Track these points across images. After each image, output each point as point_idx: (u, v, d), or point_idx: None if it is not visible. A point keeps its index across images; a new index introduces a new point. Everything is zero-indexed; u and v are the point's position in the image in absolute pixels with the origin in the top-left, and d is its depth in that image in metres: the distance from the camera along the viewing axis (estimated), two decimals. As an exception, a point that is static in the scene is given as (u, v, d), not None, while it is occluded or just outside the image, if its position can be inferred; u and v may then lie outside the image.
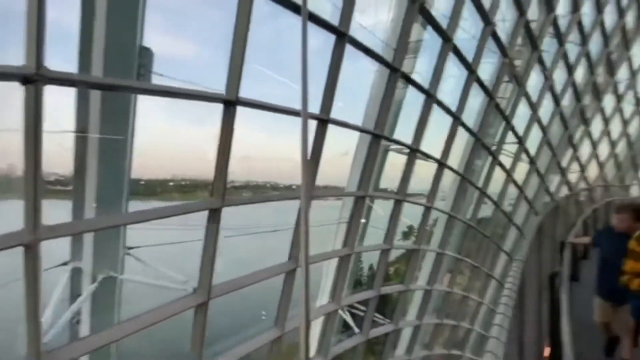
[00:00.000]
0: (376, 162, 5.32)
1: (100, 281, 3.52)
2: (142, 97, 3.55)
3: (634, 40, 11.60)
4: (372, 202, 6.48)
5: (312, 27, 3.94)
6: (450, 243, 7.81)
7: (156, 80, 3.78)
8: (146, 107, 3.92)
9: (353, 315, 6.24)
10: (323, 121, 4.17)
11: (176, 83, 3.32)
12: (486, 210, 9.27)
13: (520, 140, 8.96)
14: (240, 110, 3.31)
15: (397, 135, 5.88)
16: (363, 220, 6.50)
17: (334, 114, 4.41)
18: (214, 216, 3.23)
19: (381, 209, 6.76)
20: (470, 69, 6.34)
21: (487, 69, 7.28)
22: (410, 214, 7.17)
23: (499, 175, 8.91)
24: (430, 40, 5.63)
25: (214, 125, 3.37)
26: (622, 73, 12.03)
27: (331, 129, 4.62)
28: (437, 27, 5.41)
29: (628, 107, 13.22)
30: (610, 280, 2.83)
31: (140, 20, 3.28)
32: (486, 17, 6.25)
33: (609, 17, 10.18)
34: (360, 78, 5.92)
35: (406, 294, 6.96)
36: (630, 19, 11.01)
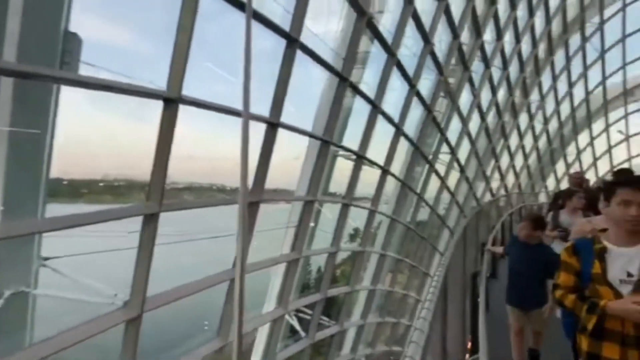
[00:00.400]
0: (325, 166, 5.32)
1: (8, 297, 2.96)
2: (66, 88, 3.09)
3: (544, 68, 13.32)
4: (321, 205, 6.48)
5: (264, 29, 3.81)
6: (392, 244, 8.13)
7: (85, 70, 3.34)
8: (73, 99, 3.43)
9: (300, 319, 6.14)
10: (273, 125, 4.04)
11: (109, 75, 2.95)
12: (424, 213, 9.86)
13: (453, 151, 9.71)
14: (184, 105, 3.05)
15: (346, 141, 5.98)
16: (312, 224, 6.48)
17: (285, 118, 4.32)
18: (150, 222, 2.91)
19: (330, 213, 6.80)
20: (411, 83, 6.69)
21: (425, 85, 7.77)
22: (357, 217, 7.34)
23: (434, 181, 9.54)
24: (376, 53, 5.82)
25: (156, 121, 3.06)
26: (534, 95, 13.73)
27: (284, 132, 4.52)
28: (382, 42, 5.62)
29: (538, 125, 15.11)
30: (517, 288, 2.94)
31: (67, 1, 2.86)
32: (426, 37, 6.66)
33: (525, 46, 11.56)
34: (311, 83, 5.91)
35: (352, 295, 7.06)
36: (541, 49, 12.63)
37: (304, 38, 4.25)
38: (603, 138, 20.45)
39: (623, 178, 1.54)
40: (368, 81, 5.88)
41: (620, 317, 1.34)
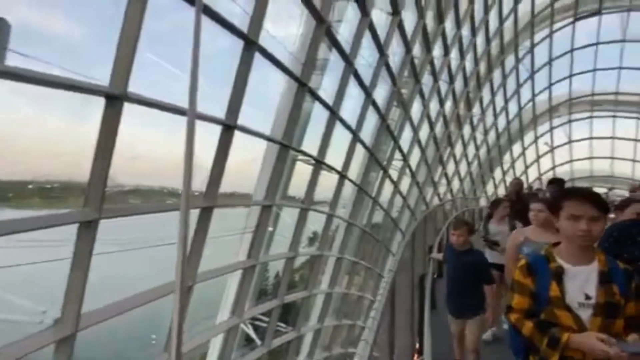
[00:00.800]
0: (284, 171, 5.23)
1: None
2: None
3: (484, 84, 14.53)
4: (280, 210, 6.36)
5: (223, 29, 3.65)
6: (349, 247, 8.24)
7: (13, 60, 2.93)
8: (-4, 92, 2.98)
9: (255, 327, 5.93)
10: (228, 127, 3.88)
11: (42, 67, 2.61)
12: (378, 216, 10.15)
13: (405, 158, 10.15)
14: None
15: (305, 146, 5.94)
16: (271, 229, 6.32)
17: (243, 120, 4.18)
18: (87, 230, 2.61)
19: (289, 217, 6.70)
20: (367, 92, 6.87)
21: (380, 94, 8.04)
22: (315, 221, 7.32)
23: (388, 186, 9.88)
24: (335, 61, 5.89)
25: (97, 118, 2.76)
26: (476, 109, 14.90)
27: (243, 133, 4.35)
28: (340, 51, 5.70)
29: (479, 136, 16.41)
30: (454, 296, 2.89)
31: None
32: (381, 49, 6.90)
33: (469, 63, 12.52)
34: (271, 85, 5.81)
35: (309, 299, 7.00)
36: (482, 67, 13.76)
37: (263, 40, 4.16)
38: (532, 149, 22.83)
39: (570, 190, 1.45)
40: (327, 88, 5.93)
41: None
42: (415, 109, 10.07)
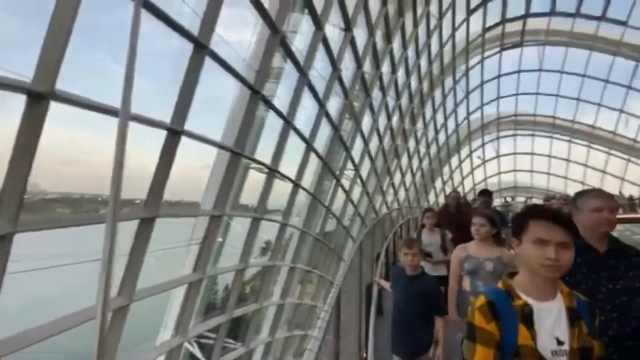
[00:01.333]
0: (235, 179, 5.03)
1: None
2: None
3: (427, 101, 15.65)
4: (231, 219, 6.08)
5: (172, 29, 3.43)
6: (302, 256, 8.16)
7: None
8: None
9: (201, 345, 5.53)
10: (174, 132, 3.63)
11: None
12: (331, 224, 10.25)
13: (356, 168, 10.45)
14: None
15: (259, 154, 5.79)
16: (220, 239, 6.00)
17: (194, 125, 3.94)
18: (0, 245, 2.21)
19: (240, 227, 6.44)
20: (321, 103, 6.97)
21: (334, 105, 8.21)
22: (269, 230, 7.13)
23: (340, 195, 10.06)
24: (290, 71, 5.88)
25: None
26: (419, 124, 15.96)
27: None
28: (295, 62, 5.72)
29: (422, 149, 17.57)
30: (405, 335, 2.43)
31: None
32: (334, 63, 7.08)
33: (414, 82, 13.41)
34: (225, 91, 5.59)
35: (260, 312, 6.74)
36: (425, 85, 14.83)
37: (215, 44, 4.01)
38: (468, 162, 25.07)
39: (535, 208, 1.16)
40: (281, 96, 5.88)
41: None
42: (366, 121, 10.46)
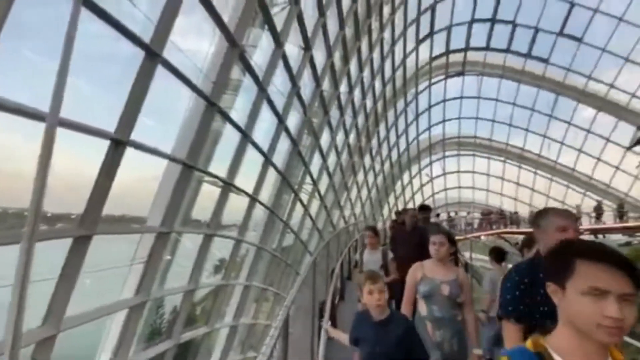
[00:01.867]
0: (187, 193, 4.71)
1: None
2: None
3: (381, 121, 16.40)
4: (180, 235, 5.65)
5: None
6: (258, 273, 7.83)
7: None
8: None
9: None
10: (118, 142, 3.31)
11: None
12: (289, 239, 10.05)
13: (315, 183, 10.48)
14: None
15: (215, 166, 5.52)
16: (169, 257, 5.53)
17: (142, 134, 3.63)
18: None
19: (191, 243, 6.00)
20: (280, 118, 6.93)
21: (293, 121, 8.21)
22: (223, 247, 6.74)
23: (299, 209, 9.96)
24: (248, 84, 5.78)
25: None
26: (374, 142, 16.61)
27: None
28: (254, 76, 5.64)
29: (377, 166, 18.25)
30: None
31: None
32: (293, 80, 7.12)
33: (369, 102, 14.00)
34: (176, 99, 5.28)
35: (211, 335, 6.27)
36: (380, 105, 15.56)
37: (169, 52, 3.79)
38: (417, 179, 26.54)
39: (589, 246, 0.79)
40: (239, 108, 5.73)
41: None
42: (325, 138, 10.62)
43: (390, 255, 3.70)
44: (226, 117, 5.11)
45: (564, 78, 19.24)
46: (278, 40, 5.96)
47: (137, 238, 4.86)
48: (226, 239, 6.50)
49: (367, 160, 16.14)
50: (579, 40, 17.37)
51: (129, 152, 3.77)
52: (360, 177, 15.99)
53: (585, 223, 18.03)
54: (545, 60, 19.09)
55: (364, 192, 17.39)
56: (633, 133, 16.73)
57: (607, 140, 19.63)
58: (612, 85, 18.20)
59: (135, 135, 3.63)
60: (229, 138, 5.79)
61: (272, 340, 1.26)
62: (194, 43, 5.39)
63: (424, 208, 4.49)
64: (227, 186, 5.54)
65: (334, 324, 4.01)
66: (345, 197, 14.65)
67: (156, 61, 3.56)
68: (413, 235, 3.74)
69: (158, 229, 4.28)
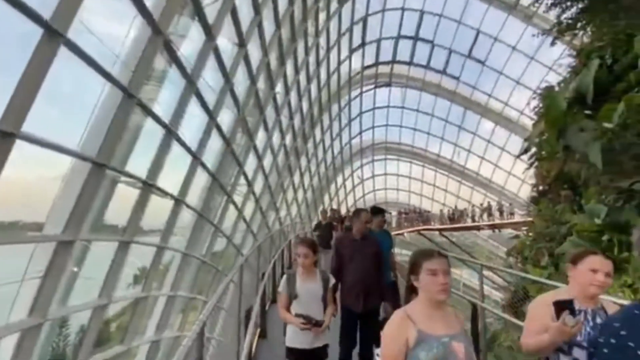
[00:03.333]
0: (97, 195, 4.09)
1: None
2: None
3: (317, 124, 16.72)
4: (89, 243, 4.89)
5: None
6: (184, 281, 7.22)
7: None
8: None
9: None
10: (5, 134, 2.72)
11: None
12: (221, 243, 9.51)
13: (250, 184, 10.15)
14: None
15: (133, 165, 4.89)
16: (75, 269, 4.72)
17: (42, 126, 3.03)
18: None
19: (103, 251, 5.23)
20: (211, 115, 6.53)
21: (225, 119, 7.82)
22: (144, 254, 6.03)
23: (232, 212, 9.51)
24: (174, 76, 5.30)
25: None
26: (310, 144, 16.85)
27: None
28: (181, 68, 5.20)
29: (313, 167, 18.55)
30: None
31: None
32: (227, 76, 6.79)
33: (305, 104, 14.14)
34: (87, 88, 4.56)
35: (129, 353, 5.57)
36: (315, 109, 15.83)
37: (77, 33, 3.25)
38: (350, 180, 27.79)
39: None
40: (163, 102, 5.21)
41: None
42: (260, 137, 10.36)
43: (333, 281, 2.47)
44: (147, 111, 4.61)
45: (471, 94, 22.21)
46: (210, 32, 5.62)
47: (30, 249, 4.05)
48: (148, 247, 5.85)
49: (303, 161, 16.27)
50: (482, 63, 20.25)
51: (25, 148, 3.13)
52: (297, 178, 16.05)
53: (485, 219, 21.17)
54: (457, 78, 21.78)
55: (300, 194, 17.49)
56: (521, 144, 20.13)
57: (502, 149, 23.22)
58: (506, 104, 21.61)
59: (33, 128, 3.03)
60: (152, 134, 5.22)
61: (185, 348, 1.14)
62: (110, 26, 4.74)
63: (379, 211, 3.58)
64: (148, 187, 4.99)
65: (263, 333, 3.87)
66: (282, 198, 14.53)
67: (58, 41, 3.02)
68: (365, 246, 2.75)
69: (59, 237, 3.63)
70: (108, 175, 4.30)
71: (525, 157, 6.82)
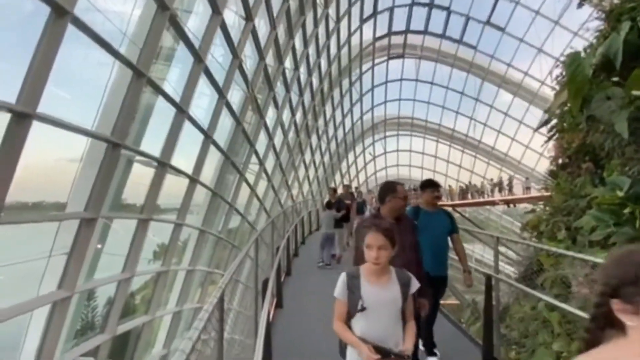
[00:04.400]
0: (114, 174, 4.20)
1: None
2: None
3: (327, 100, 16.41)
4: (110, 221, 5.09)
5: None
6: (202, 257, 7.50)
7: None
8: None
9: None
10: (21, 115, 2.78)
11: None
12: (235, 221, 9.75)
13: (261, 162, 10.20)
14: None
15: (146, 144, 4.97)
16: (99, 246, 4.96)
17: (56, 108, 3.09)
18: None
19: (124, 230, 5.45)
20: (221, 93, 6.48)
21: (236, 97, 7.75)
22: (164, 231, 6.26)
23: (245, 190, 9.66)
24: (183, 54, 5.24)
25: None
26: (321, 121, 16.64)
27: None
28: (189, 44, 5.12)
29: (324, 144, 18.43)
30: None
31: None
32: (234, 51, 6.65)
33: (315, 80, 13.83)
34: (96, 69, 4.57)
35: (153, 324, 5.92)
36: (326, 84, 15.48)
37: (82, 11, 3.22)
38: (361, 157, 27.55)
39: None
40: (173, 81, 5.19)
41: None
42: (270, 115, 10.28)
43: (416, 284, 1.64)
44: (158, 89, 4.61)
45: (489, 64, 21.18)
46: (215, 5, 5.45)
47: (55, 228, 4.25)
48: (166, 224, 6.05)
49: (314, 138, 16.16)
50: (502, 30, 19.11)
51: (43, 131, 3.20)
52: (308, 156, 16.02)
53: (497, 195, 20.83)
54: (474, 47, 20.72)
55: (312, 171, 17.53)
56: (541, 116, 19.32)
57: (520, 122, 22.39)
58: (526, 73, 20.56)
59: (48, 111, 3.08)
60: (163, 114, 5.25)
61: (206, 314, 1.19)
62: (116, 4, 4.66)
63: (429, 184, 2.89)
64: (162, 166, 5.09)
65: (279, 301, 4.05)
66: (293, 176, 14.61)
67: (65, 19, 3.00)
68: (401, 232, 1.80)
69: (82, 214, 3.79)
70: (124, 155, 4.39)
71: (544, 130, 6.54)
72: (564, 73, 5.86)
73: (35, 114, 2.89)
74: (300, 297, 4.44)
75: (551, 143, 6.27)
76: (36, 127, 3.03)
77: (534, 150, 22.03)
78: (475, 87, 22.70)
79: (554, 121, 5.93)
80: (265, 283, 3.15)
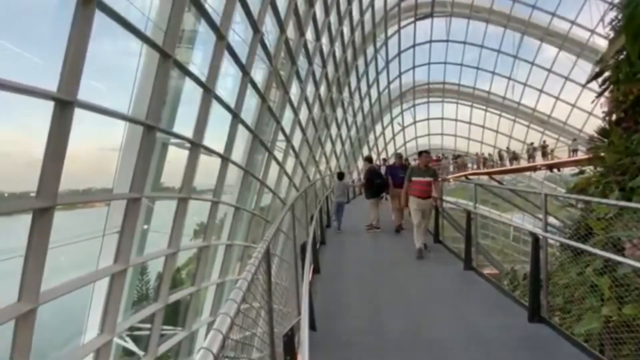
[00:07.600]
0: (152, 157, 4.44)
1: None
2: None
3: (352, 70, 15.86)
4: (152, 203, 5.46)
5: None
6: (238, 233, 7.88)
7: None
8: None
9: (135, 338, 5.07)
10: (64, 103, 2.97)
11: None
12: (267, 198, 10.06)
13: (288, 139, 10.26)
14: None
15: (178, 127, 5.17)
16: (145, 226, 5.38)
17: (90, 98, 3.27)
18: None
19: (165, 210, 5.84)
20: (245, 70, 6.47)
21: (259, 74, 7.72)
22: (201, 211, 6.63)
23: (274, 167, 9.84)
24: (205, 34, 5.24)
25: None
26: (346, 93, 16.23)
27: (96, 117, 3.41)
28: (210, 22, 5.10)
29: (350, 118, 18.07)
30: None
31: None
32: (255, 26, 6.54)
33: (338, 50, 13.35)
34: (123, 58, 4.73)
35: (199, 294, 6.42)
36: (349, 53, 14.92)
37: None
38: (389, 128, 26.75)
39: None
40: (197, 62, 5.25)
41: None
42: (294, 90, 10.18)
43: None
44: (184, 71, 4.69)
45: (530, 16, 19.19)
46: (233, -21, 5.34)
47: (105, 212, 4.65)
48: (203, 203, 6.37)
49: (339, 112, 15.88)
50: (545, -26, 17.05)
51: (83, 124, 3.41)
52: (334, 130, 15.84)
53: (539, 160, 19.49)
54: (512, -2, 18.80)
55: (338, 146, 17.38)
56: (591, 70, 17.43)
57: (566, 78, 20.40)
58: (573, 22, 18.44)
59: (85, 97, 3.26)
60: (192, 99, 5.37)
61: (256, 260, 1.27)
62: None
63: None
64: (196, 147, 5.28)
65: (316, 267, 4.22)
66: (320, 151, 14.59)
67: (92, 5, 3.08)
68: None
69: (128, 195, 4.08)
70: (159, 139, 4.60)
71: (594, 85, 5.91)
72: (619, 16, 5.21)
73: (76, 100, 3.07)
74: (335, 264, 4.57)
75: (603, 98, 5.68)
76: (77, 119, 3.23)
77: (581, 110, 20.15)
78: (514, 43, 20.81)
79: (608, 73, 5.34)
80: (303, 247, 3.29)
